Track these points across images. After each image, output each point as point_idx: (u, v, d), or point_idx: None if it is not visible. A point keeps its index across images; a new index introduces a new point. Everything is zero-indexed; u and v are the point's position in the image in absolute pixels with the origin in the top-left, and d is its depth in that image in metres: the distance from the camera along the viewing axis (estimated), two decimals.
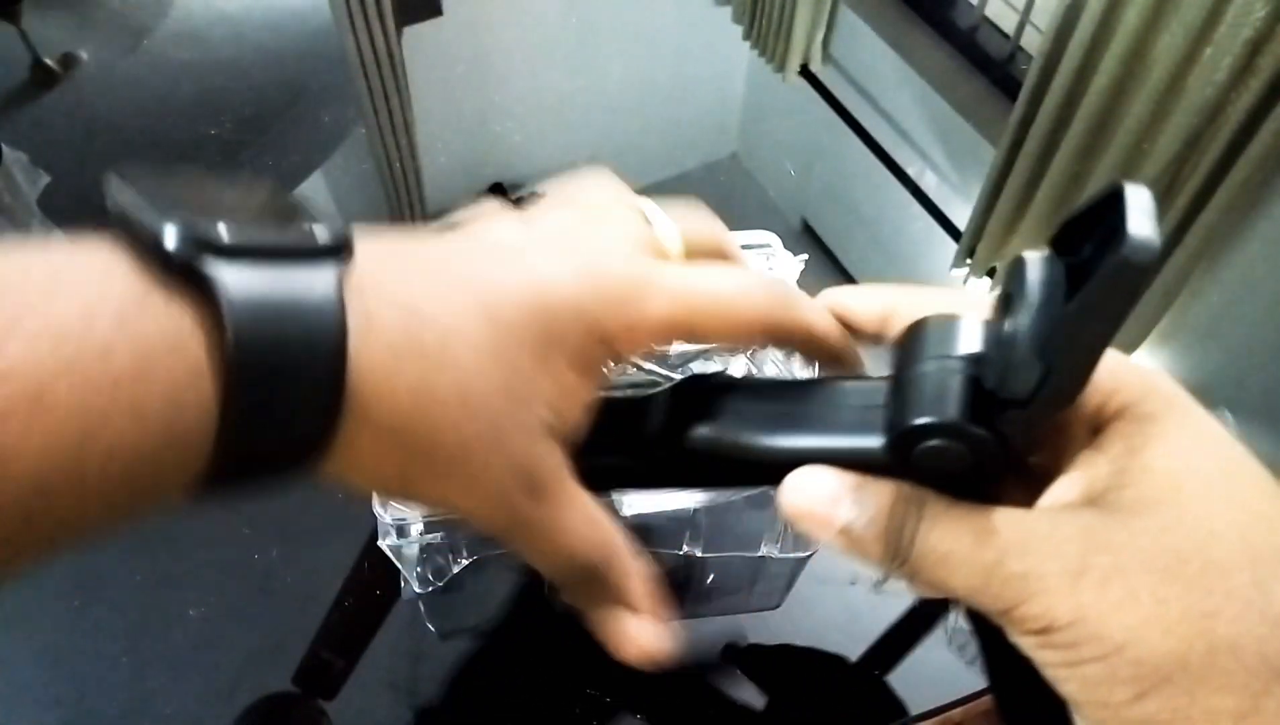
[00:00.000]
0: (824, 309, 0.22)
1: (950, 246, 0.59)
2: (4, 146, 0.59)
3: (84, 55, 0.65)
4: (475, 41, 0.59)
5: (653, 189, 0.55)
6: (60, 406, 0.14)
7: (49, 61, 0.65)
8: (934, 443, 0.19)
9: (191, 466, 0.16)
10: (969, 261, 0.59)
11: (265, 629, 0.40)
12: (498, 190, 0.59)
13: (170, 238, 0.15)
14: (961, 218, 0.60)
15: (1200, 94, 0.63)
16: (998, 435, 0.18)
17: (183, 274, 0.16)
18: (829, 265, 0.56)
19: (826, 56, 0.70)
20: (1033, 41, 0.75)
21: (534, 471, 0.20)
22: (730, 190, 0.61)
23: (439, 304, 0.19)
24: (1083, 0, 0.66)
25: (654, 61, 0.70)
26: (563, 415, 0.20)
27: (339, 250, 0.17)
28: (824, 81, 0.68)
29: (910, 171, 0.62)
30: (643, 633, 0.22)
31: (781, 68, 0.70)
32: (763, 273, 0.22)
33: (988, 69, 0.72)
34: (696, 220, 0.21)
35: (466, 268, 0.20)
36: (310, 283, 0.17)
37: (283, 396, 0.17)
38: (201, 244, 0.16)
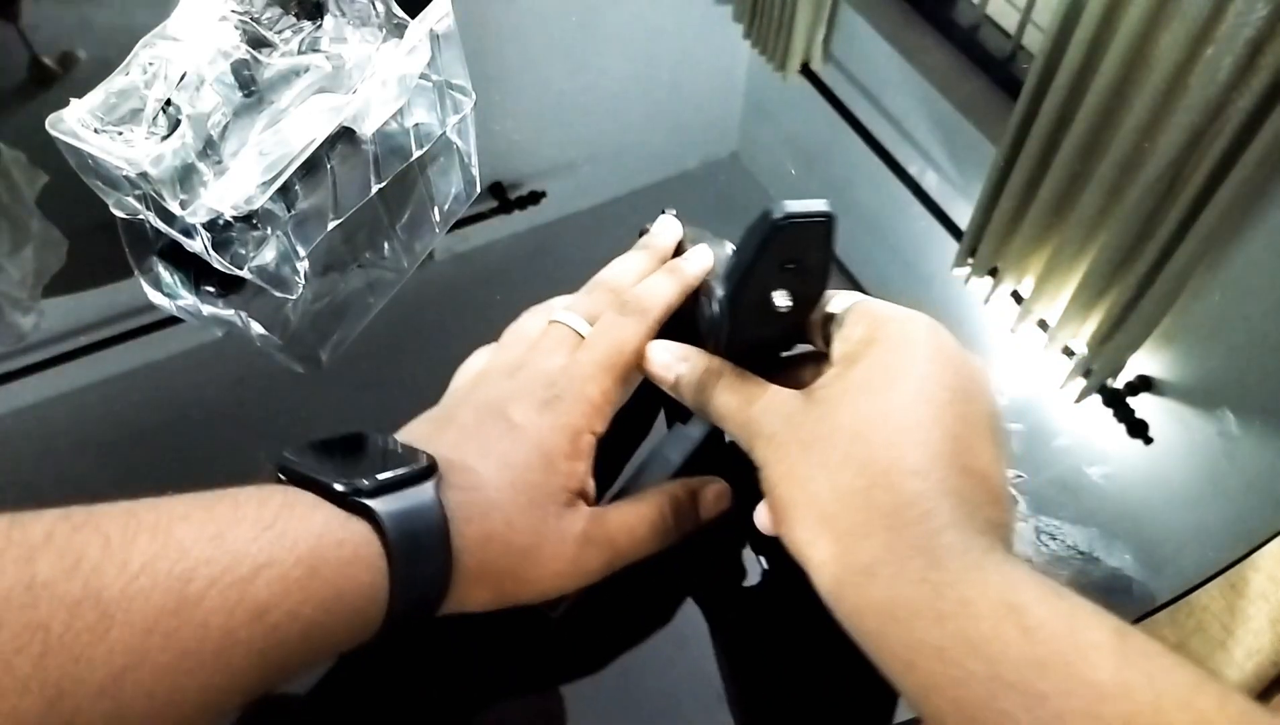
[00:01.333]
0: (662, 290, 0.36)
1: (951, 246, 0.59)
2: (2, 145, 0.59)
3: (83, 55, 0.65)
4: (474, 40, 0.59)
5: (652, 188, 0.56)
6: (313, 593, 0.26)
7: (48, 61, 0.65)
8: (702, 303, 0.34)
9: (373, 621, 0.28)
10: (970, 261, 0.59)
11: None
12: (496, 189, 0.59)
13: (342, 487, 0.28)
14: (963, 217, 0.60)
15: (1202, 93, 0.62)
16: (716, 313, 0.32)
17: (354, 509, 0.28)
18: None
19: (827, 55, 0.70)
20: (1034, 40, 0.75)
21: (580, 536, 0.32)
22: (730, 190, 0.61)
23: (483, 480, 0.31)
24: None
25: (654, 60, 0.69)
26: (570, 487, 0.33)
27: (431, 470, 0.30)
28: (825, 80, 0.68)
29: (911, 170, 0.61)
30: (708, 508, 0.37)
31: (782, 67, 0.69)
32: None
33: (989, 68, 0.72)
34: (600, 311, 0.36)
35: (495, 446, 0.32)
36: (421, 498, 0.29)
37: (421, 571, 0.29)
38: (360, 490, 0.28)
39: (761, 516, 0.31)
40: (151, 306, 0.54)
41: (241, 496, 0.26)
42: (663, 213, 0.38)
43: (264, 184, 0.48)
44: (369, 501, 0.28)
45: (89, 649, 0.21)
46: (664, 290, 0.35)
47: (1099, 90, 0.65)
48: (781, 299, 0.31)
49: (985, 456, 0.27)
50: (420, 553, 0.28)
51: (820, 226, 0.28)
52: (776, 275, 0.30)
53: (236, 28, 0.51)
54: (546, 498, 0.32)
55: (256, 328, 0.53)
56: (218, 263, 0.51)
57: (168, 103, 0.47)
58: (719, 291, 0.32)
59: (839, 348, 0.30)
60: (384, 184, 0.57)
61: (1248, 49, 0.62)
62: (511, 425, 0.32)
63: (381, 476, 0.29)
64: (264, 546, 0.25)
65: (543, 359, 0.34)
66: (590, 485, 0.34)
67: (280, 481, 0.28)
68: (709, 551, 0.43)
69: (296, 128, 0.49)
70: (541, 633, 0.40)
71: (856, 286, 0.55)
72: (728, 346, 0.33)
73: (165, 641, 0.22)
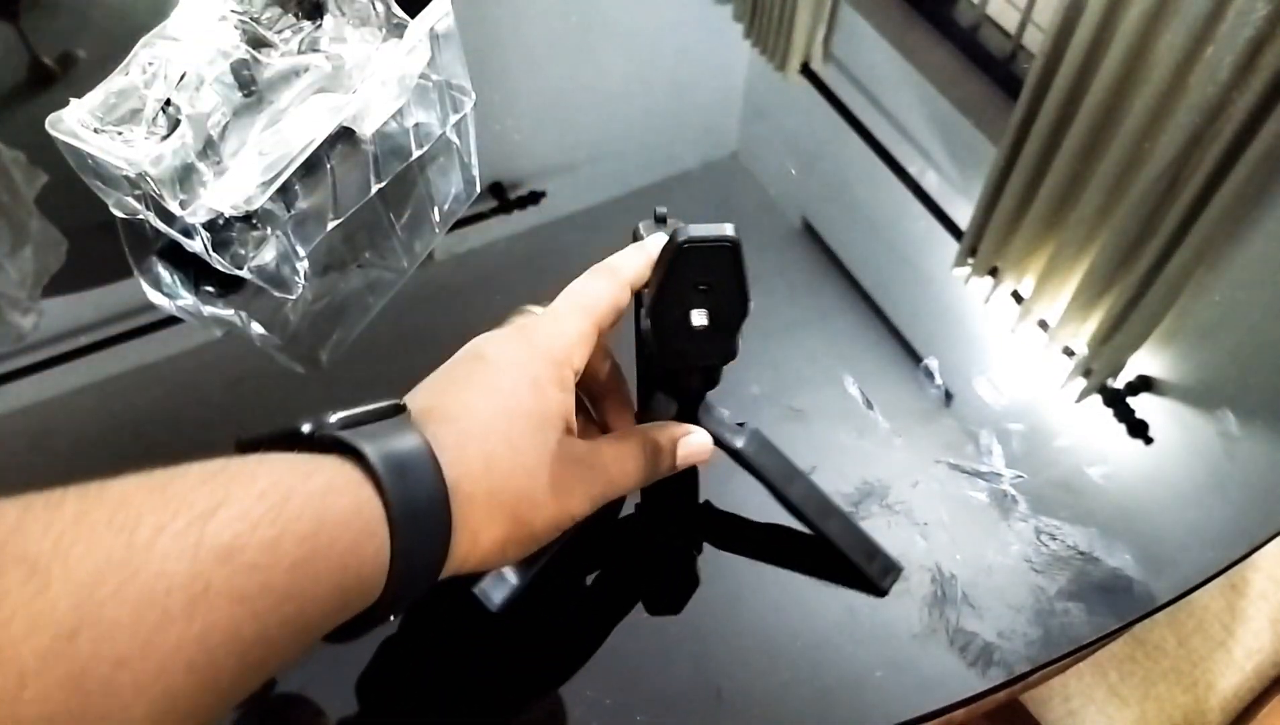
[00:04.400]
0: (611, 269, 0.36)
1: (952, 246, 0.59)
2: (2, 145, 0.59)
3: (82, 54, 0.65)
4: (474, 40, 0.59)
5: (652, 188, 0.56)
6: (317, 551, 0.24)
7: (47, 60, 0.65)
8: (640, 318, 0.37)
9: (375, 559, 0.26)
10: (970, 261, 0.59)
11: None
12: (496, 189, 0.59)
13: (308, 427, 0.27)
14: (963, 217, 0.60)
15: (1202, 93, 0.63)
16: (646, 327, 0.35)
17: (322, 448, 0.27)
18: (829, 265, 0.56)
19: (827, 55, 0.70)
20: (1034, 40, 0.75)
21: (582, 461, 0.32)
22: (730, 190, 0.61)
23: (465, 408, 0.30)
24: None
25: (654, 60, 0.69)
26: (564, 415, 0.32)
27: (399, 407, 0.29)
28: (825, 80, 0.68)
29: (911, 171, 0.61)
30: (691, 452, 0.37)
31: (782, 67, 0.69)
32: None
33: (989, 68, 0.72)
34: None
35: (471, 378, 0.32)
36: (395, 427, 0.28)
37: (415, 494, 0.26)
38: (325, 425, 0.28)
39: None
40: (151, 306, 0.54)
41: (185, 468, 0.25)
42: (655, 211, 0.38)
43: (264, 184, 0.48)
44: (338, 433, 0.27)
45: (25, 607, 0.18)
46: (629, 256, 0.36)
47: (1099, 90, 0.65)
48: (699, 318, 0.33)
49: None
50: (409, 475, 0.26)
51: (725, 251, 0.31)
52: (691, 295, 0.32)
53: (236, 28, 0.51)
54: (544, 421, 0.31)
55: (256, 328, 0.53)
56: (218, 263, 0.51)
57: (167, 103, 0.47)
58: (644, 308, 0.35)
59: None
60: (384, 184, 0.57)
61: (1248, 49, 0.62)
62: (489, 359, 0.32)
63: (343, 414, 0.28)
64: (216, 489, 0.23)
65: (514, 322, 0.36)
66: (575, 425, 0.34)
67: None
68: (665, 552, 0.43)
69: (296, 128, 0.49)
70: (542, 634, 0.40)
71: (856, 286, 0.55)
72: (659, 360, 0.35)
73: (118, 594, 0.19)
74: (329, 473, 0.25)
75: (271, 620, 0.22)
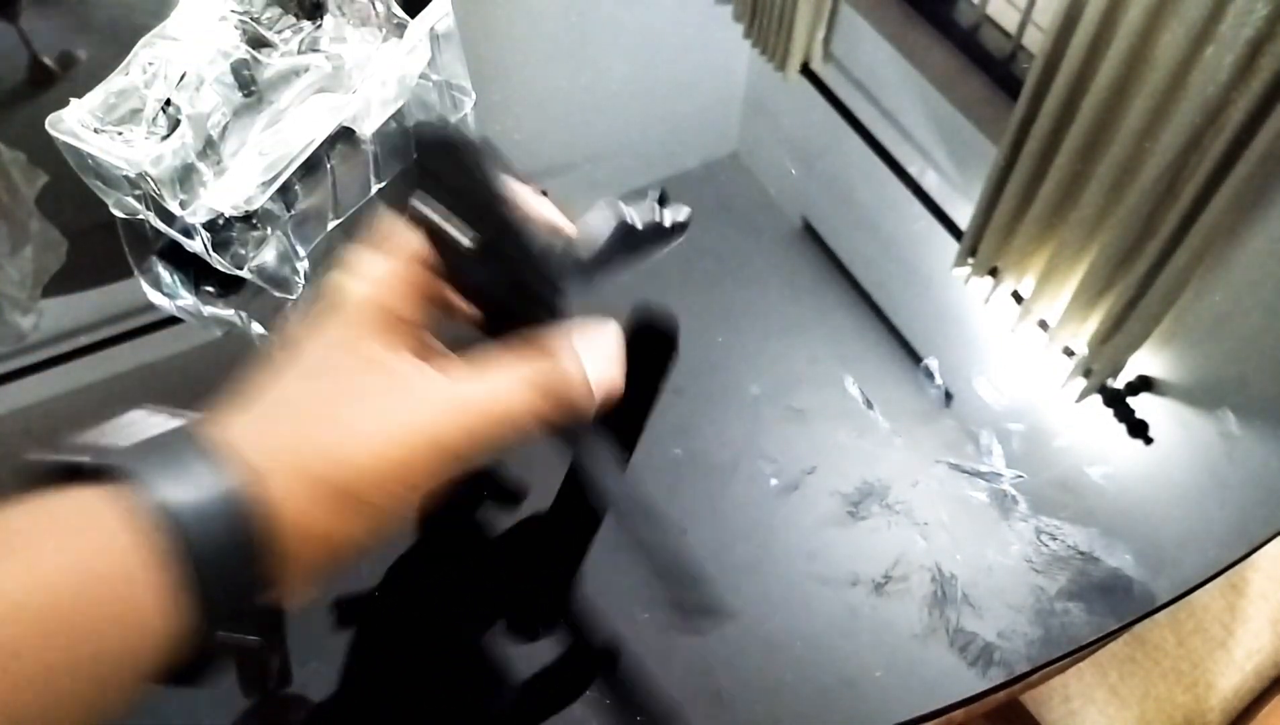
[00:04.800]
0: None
1: (952, 246, 0.59)
2: (3, 145, 0.59)
3: (82, 55, 0.65)
4: (474, 40, 0.59)
5: (652, 188, 0.55)
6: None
7: (47, 60, 0.65)
8: None
9: (152, 556, 0.23)
10: (970, 261, 0.59)
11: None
12: None
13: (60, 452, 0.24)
14: (963, 217, 0.60)
15: (1202, 93, 0.62)
16: None
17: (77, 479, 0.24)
18: (829, 265, 0.56)
19: (827, 55, 0.70)
20: (1034, 40, 0.75)
21: (417, 378, 0.28)
22: (730, 190, 0.61)
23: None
24: None
25: (654, 60, 0.69)
26: (385, 340, 0.29)
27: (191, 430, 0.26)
28: (825, 80, 0.68)
29: (911, 171, 0.61)
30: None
31: (782, 67, 0.69)
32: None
33: (989, 68, 0.72)
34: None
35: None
36: (171, 438, 0.26)
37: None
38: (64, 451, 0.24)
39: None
40: (151, 306, 0.54)
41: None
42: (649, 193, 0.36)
43: (264, 184, 0.48)
44: (60, 458, 0.24)
45: None
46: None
47: (1099, 90, 0.65)
48: (461, 237, 0.30)
49: None
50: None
51: (454, 149, 0.28)
52: (440, 193, 0.30)
53: (236, 28, 0.51)
54: (352, 345, 0.28)
55: (256, 328, 0.53)
56: (218, 263, 0.51)
57: (167, 102, 0.47)
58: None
59: None
60: (384, 184, 0.57)
61: (1248, 49, 0.62)
62: (299, 345, 0.30)
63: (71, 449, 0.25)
64: None
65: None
66: (432, 361, 0.29)
67: None
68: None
69: (296, 128, 0.49)
70: (543, 630, 0.40)
71: (857, 286, 0.55)
72: (450, 283, 0.32)
73: None
74: (53, 493, 0.23)
75: (24, 648, 0.20)
